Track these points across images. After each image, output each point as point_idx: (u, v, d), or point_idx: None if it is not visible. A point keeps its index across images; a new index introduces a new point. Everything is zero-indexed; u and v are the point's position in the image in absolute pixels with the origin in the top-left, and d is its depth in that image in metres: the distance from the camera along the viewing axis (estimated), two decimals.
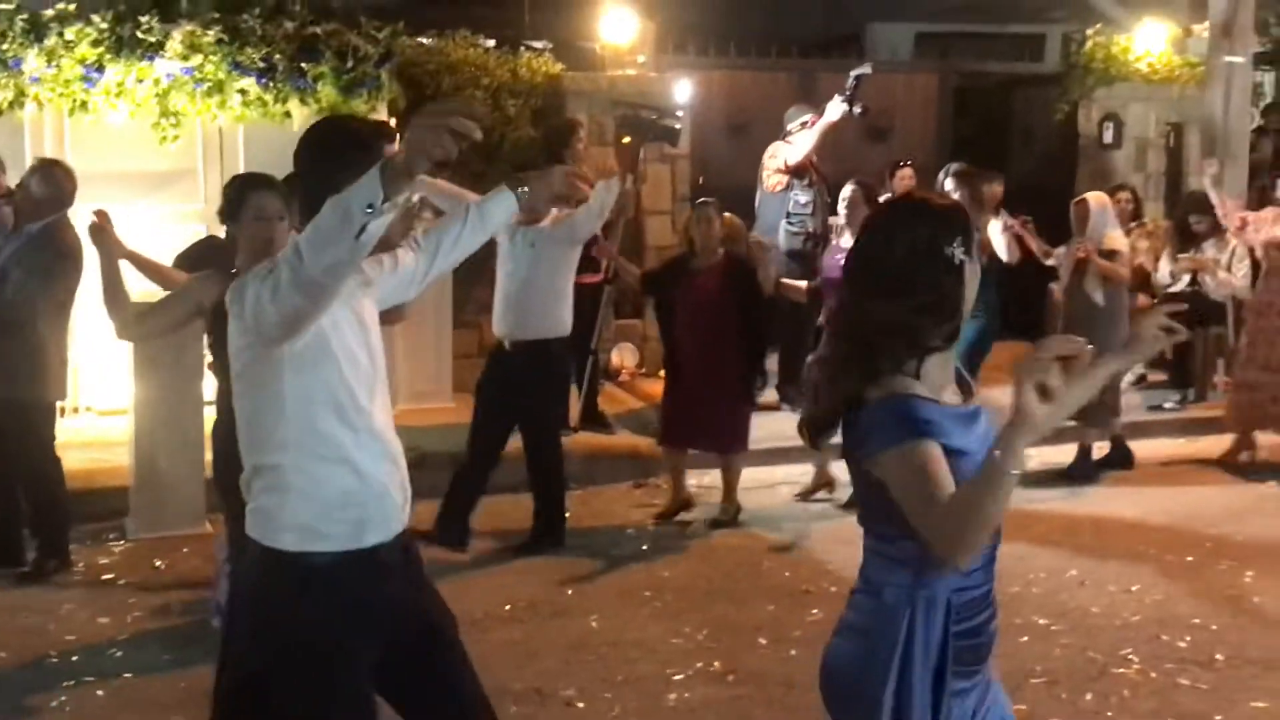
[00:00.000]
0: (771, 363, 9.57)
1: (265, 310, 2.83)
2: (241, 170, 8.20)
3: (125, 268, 5.06)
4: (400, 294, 3.41)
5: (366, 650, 3.08)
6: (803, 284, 7.84)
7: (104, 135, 8.44)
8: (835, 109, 9.17)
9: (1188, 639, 5.65)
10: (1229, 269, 9.48)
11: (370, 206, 2.57)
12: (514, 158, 8.89)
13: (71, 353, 6.84)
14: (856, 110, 9.17)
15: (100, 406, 8.57)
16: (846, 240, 7.57)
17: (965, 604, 2.65)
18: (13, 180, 6.57)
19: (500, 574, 6.46)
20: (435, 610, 3.30)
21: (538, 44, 10.25)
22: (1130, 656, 5.46)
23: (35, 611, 5.91)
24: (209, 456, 4.90)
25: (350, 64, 8.71)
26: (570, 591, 6.27)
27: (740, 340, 7.08)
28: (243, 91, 8.51)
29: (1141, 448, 8.57)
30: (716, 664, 5.39)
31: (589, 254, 7.32)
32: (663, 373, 7.84)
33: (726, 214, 7.53)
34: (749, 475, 7.58)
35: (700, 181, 10.79)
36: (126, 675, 5.25)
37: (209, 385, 5.42)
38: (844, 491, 7.43)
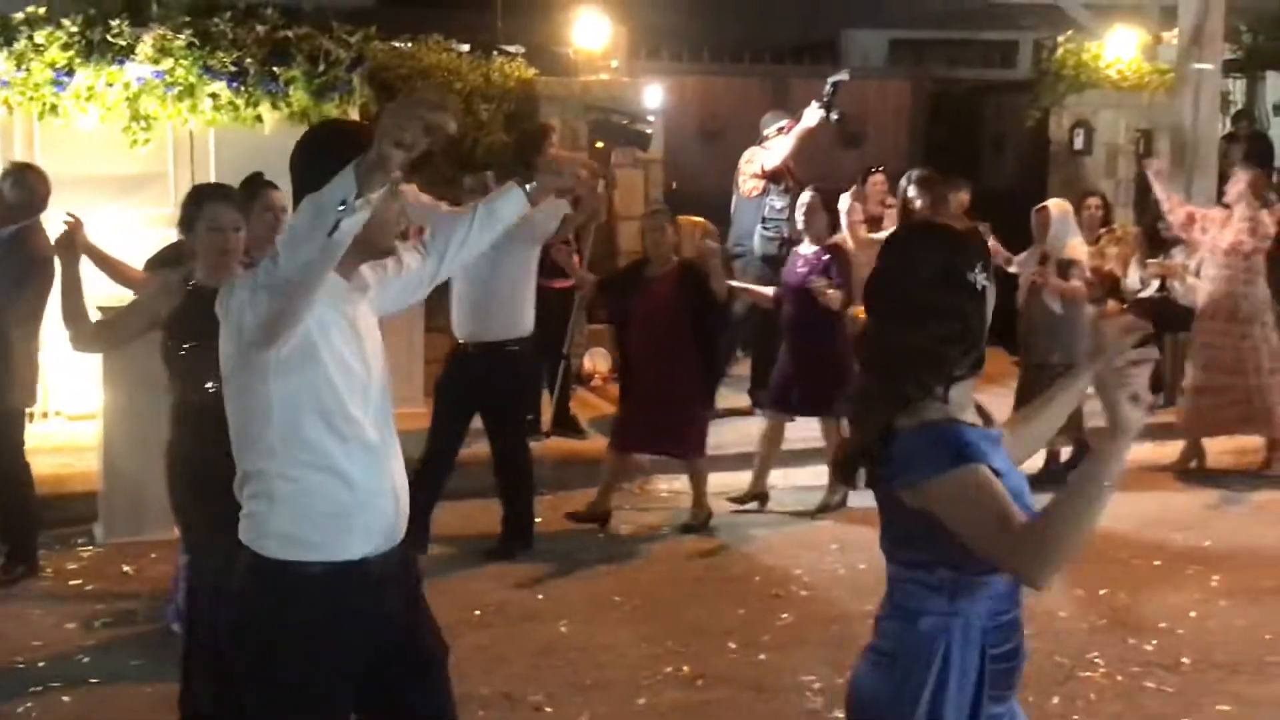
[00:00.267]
0: (745, 367, 9.65)
1: (246, 313, 2.81)
2: (213, 174, 8.22)
3: (91, 271, 5.03)
4: (407, 298, 3.37)
5: (347, 664, 3.03)
6: (769, 290, 7.85)
7: (74, 139, 8.41)
8: (812, 115, 9.22)
9: (1154, 642, 5.69)
10: (1197, 274, 9.53)
11: (343, 203, 2.55)
12: (486, 162, 8.89)
13: (41, 357, 6.80)
14: (833, 116, 9.22)
15: (70, 411, 8.53)
16: (805, 248, 7.58)
17: (1000, 628, 2.66)
18: None
19: (470, 579, 6.45)
20: (424, 636, 3.24)
21: (511, 49, 10.26)
22: (1097, 660, 5.49)
23: (2, 618, 5.88)
24: None
25: (322, 68, 8.69)
26: (540, 596, 6.27)
27: (694, 346, 7.08)
28: (214, 95, 8.48)
29: None
30: (686, 668, 5.40)
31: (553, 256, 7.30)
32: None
33: (699, 219, 7.53)
34: (719, 480, 7.59)
35: (674, 187, 10.80)
36: (93, 681, 5.23)
37: None
38: (780, 503, 7.50)
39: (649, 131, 8.73)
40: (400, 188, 2.97)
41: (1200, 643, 5.71)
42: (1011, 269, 8.50)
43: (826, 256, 7.39)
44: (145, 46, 8.33)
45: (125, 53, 8.32)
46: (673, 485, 7.73)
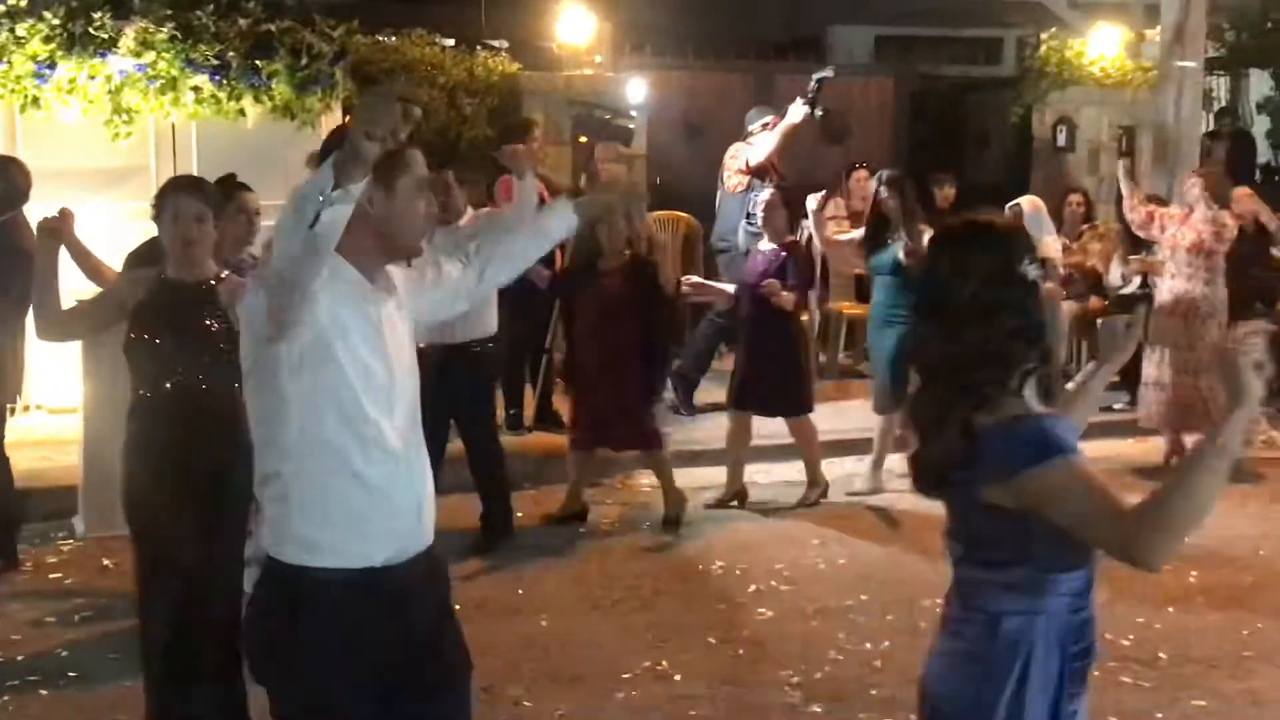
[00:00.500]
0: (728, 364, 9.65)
1: (256, 309, 2.81)
2: (195, 167, 8.19)
3: (68, 265, 4.99)
4: (447, 308, 3.33)
5: (365, 672, 2.93)
6: (730, 288, 7.84)
7: (56, 132, 8.38)
8: (797, 111, 9.23)
9: (1131, 637, 5.71)
10: None
11: (321, 195, 2.58)
12: (470, 157, 8.89)
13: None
14: (818, 113, 9.23)
15: (51, 404, 8.51)
16: (765, 245, 7.55)
17: (1080, 624, 2.68)
18: None
19: (450, 573, 6.43)
20: (448, 651, 3.14)
21: (495, 43, 10.27)
22: None
23: None
24: None
25: (304, 61, 8.65)
26: (520, 591, 6.28)
27: (639, 340, 7.04)
28: (196, 89, 8.45)
29: (1089, 448, 8.46)
30: (665, 663, 5.40)
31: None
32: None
33: (684, 214, 7.53)
34: (699, 475, 7.61)
35: (658, 182, 10.81)
36: (72, 674, 5.22)
37: None
38: (761, 499, 7.52)
39: (632, 127, 8.75)
40: (449, 179, 2.95)
41: (1177, 638, 5.73)
42: None
43: (784, 254, 7.38)
44: (127, 39, 8.31)
45: (107, 45, 8.30)
46: (655, 480, 7.73)
